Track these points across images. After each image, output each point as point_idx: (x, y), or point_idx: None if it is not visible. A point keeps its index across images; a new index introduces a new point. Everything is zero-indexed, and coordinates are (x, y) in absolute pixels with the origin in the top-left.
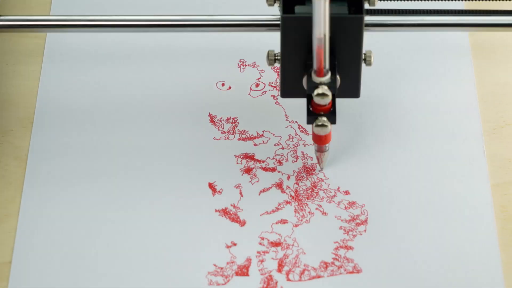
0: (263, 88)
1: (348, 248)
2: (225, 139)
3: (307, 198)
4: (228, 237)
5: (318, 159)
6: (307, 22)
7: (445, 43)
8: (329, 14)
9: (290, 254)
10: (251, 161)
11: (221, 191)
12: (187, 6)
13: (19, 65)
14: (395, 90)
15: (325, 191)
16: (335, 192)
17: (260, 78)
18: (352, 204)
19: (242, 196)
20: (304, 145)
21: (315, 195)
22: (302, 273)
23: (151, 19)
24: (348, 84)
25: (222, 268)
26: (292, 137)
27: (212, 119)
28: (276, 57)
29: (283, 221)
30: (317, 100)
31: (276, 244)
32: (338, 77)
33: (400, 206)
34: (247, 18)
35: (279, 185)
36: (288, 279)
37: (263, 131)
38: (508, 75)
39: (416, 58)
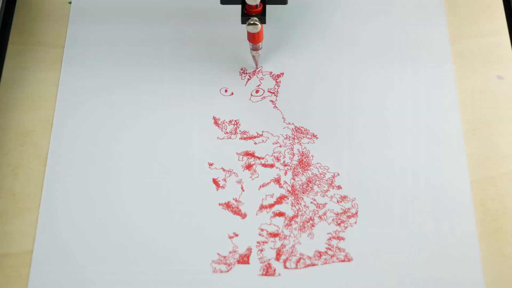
0: (262, 94)
1: (340, 238)
2: (228, 138)
3: (303, 193)
4: (230, 229)
5: (254, 58)
6: None
7: (429, 53)
8: None
9: (287, 244)
10: (251, 158)
11: (224, 186)
12: None
13: (39, 72)
14: (386, 97)
15: (319, 186)
16: (328, 187)
17: (259, 85)
18: (343, 198)
19: (243, 190)
20: (300, 144)
21: (310, 189)
22: (298, 261)
23: None
24: None
25: (225, 256)
26: (289, 137)
27: (216, 121)
28: None
29: (281, 214)
30: (248, 1)
31: (274, 235)
32: None
33: (387, 200)
34: None
35: (277, 180)
36: (285, 267)
37: (262, 132)
38: (485, 81)
39: (404, 68)
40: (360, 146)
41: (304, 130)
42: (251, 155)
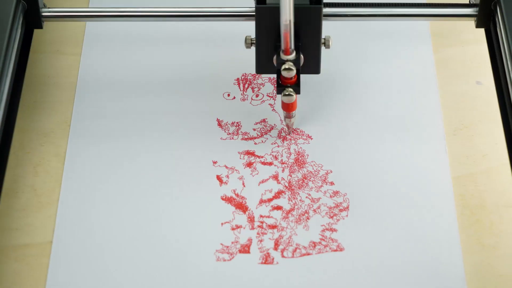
0: (262, 98)
1: (332, 230)
2: (230, 139)
3: (299, 188)
4: (233, 221)
5: (287, 126)
6: (276, 11)
7: (413, 60)
8: (293, 4)
9: (284, 235)
10: (252, 156)
11: (227, 182)
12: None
13: (58, 78)
14: (375, 101)
15: (313, 182)
16: (322, 183)
17: (259, 89)
18: (336, 193)
19: (244, 186)
20: (296, 144)
21: (305, 185)
22: (294, 251)
23: (149, 10)
24: (310, 62)
25: (227, 246)
26: (286, 137)
27: (219, 123)
28: (252, 41)
29: (279, 207)
30: (284, 73)
31: (272, 226)
32: (301, 56)
33: (376, 195)
34: (228, 9)
35: (275, 177)
36: (283, 256)
37: (262, 133)
38: (466, 86)
39: (391, 75)
40: (351, 146)
41: (300, 132)
42: (252, 154)
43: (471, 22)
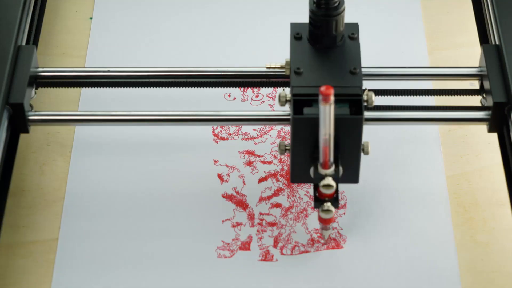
0: (261, 99)
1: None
2: (231, 139)
3: (297, 186)
4: (233, 218)
5: (323, 234)
6: (314, 122)
7: (410, 64)
8: (333, 116)
9: (283, 232)
10: (252, 156)
11: (227, 180)
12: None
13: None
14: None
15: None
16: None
17: (259, 90)
18: None
19: (244, 184)
20: None
21: (303, 183)
22: (293, 248)
23: (165, 114)
24: (349, 172)
25: (228, 243)
26: (285, 137)
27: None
28: (287, 148)
29: (278, 205)
30: (323, 190)
31: (272, 224)
32: (340, 168)
33: (373, 194)
34: (263, 113)
35: (275, 175)
36: (282, 253)
37: (261, 133)
38: (459, 87)
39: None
40: None
41: None
42: (252, 153)
43: (464, 26)
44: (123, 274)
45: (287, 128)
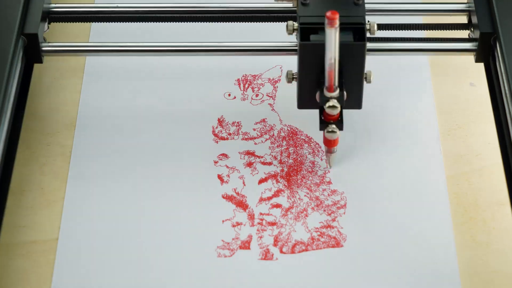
0: (261, 98)
1: (330, 227)
2: (231, 139)
3: (297, 187)
4: (233, 218)
5: (327, 159)
6: (321, 48)
7: (409, 65)
8: (338, 42)
9: (283, 231)
10: (252, 156)
11: (227, 181)
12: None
13: (64, 80)
14: (372, 104)
15: (312, 181)
16: (320, 182)
17: (259, 89)
18: (333, 191)
19: (244, 185)
20: (295, 146)
21: (303, 184)
22: (293, 247)
23: (175, 45)
24: (352, 98)
25: (228, 243)
26: (285, 138)
27: (220, 123)
28: (294, 76)
29: (278, 205)
30: (328, 111)
31: (272, 223)
32: (345, 92)
33: (373, 193)
34: (270, 44)
35: (275, 176)
36: (282, 252)
37: (261, 133)
38: (459, 88)
39: (389, 78)
40: (348, 145)
41: (299, 132)
42: (252, 154)
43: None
44: (123, 274)
45: (287, 128)
